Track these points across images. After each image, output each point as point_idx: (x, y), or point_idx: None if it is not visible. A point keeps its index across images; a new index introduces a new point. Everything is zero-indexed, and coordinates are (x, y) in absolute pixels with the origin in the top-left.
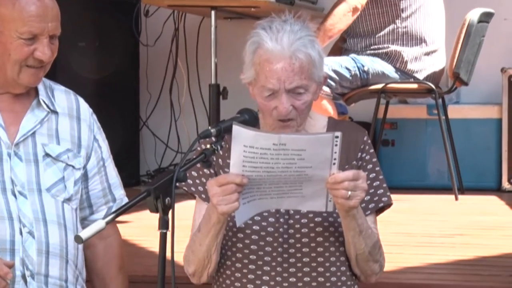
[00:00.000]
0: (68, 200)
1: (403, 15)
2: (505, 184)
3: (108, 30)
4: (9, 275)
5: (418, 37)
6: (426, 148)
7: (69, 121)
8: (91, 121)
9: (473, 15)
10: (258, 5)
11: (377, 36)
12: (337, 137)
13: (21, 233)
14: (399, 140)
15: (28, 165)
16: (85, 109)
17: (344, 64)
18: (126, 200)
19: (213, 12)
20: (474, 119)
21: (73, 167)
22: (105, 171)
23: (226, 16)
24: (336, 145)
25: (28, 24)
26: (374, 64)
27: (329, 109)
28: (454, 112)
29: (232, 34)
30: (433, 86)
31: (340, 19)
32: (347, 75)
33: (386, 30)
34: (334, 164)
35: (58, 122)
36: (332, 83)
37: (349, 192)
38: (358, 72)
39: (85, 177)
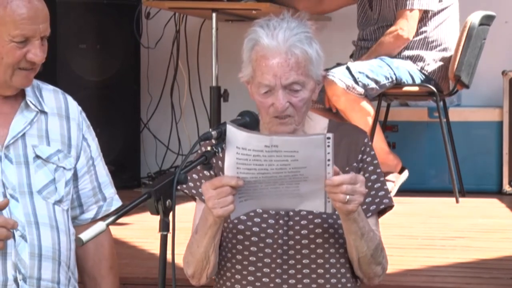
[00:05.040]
0: (59, 202)
1: (431, 24)
2: (506, 187)
3: (109, 32)
4: (16, 224)
5: (441, 45)
6: (427, 151)
7: (58, 120)
8: (80, 119)
9: (474, 18)
10: (259, 8)
11: None
12: (329, 138)
13: (13, 236)
14: (400, 143)
15: (18, 167)
16: (74, 107)
17: (380, 72)
18: (116, 199)
19: (214, 15)
20: (475, 122)
21: (64, 168)
22: (94, 170)
23: (227, 18)
24: (328, 146)
25: (20, 27)
26: (402, 63)
27: (369, 108)
28: (455, 114)
29: (233, 37)
30: (433, 89)
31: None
32: (385, 82)
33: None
34: (328, 165)
35: (47, 122)
36: (374, 85)
37: (347, 197)
38: (394, 77)
39: (74, 177)
